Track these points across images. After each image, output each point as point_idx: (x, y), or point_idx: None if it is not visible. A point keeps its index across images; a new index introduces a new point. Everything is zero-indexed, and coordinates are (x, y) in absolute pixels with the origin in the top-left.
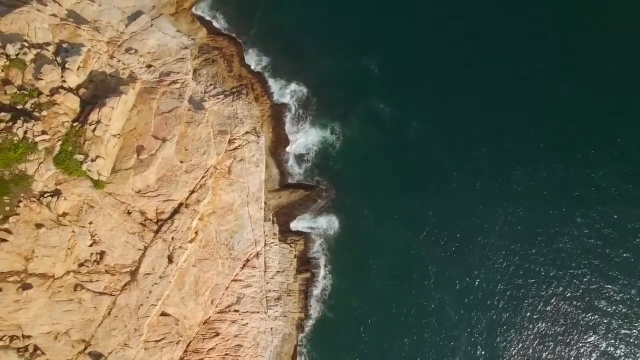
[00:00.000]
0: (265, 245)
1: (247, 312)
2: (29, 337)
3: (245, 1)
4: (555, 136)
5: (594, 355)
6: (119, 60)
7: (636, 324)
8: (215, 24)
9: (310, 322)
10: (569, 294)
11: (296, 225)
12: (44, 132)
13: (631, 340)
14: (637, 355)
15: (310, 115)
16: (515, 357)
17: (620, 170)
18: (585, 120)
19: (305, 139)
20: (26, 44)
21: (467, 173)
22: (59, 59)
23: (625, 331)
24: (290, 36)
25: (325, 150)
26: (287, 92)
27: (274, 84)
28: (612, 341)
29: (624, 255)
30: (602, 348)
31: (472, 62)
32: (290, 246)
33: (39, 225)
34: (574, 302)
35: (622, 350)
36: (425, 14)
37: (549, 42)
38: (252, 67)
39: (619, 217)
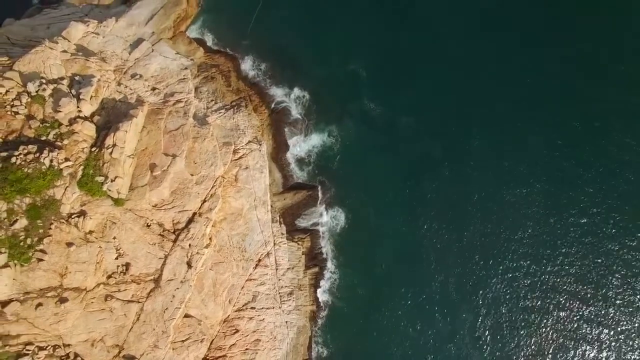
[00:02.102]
0: (274, 245)
1: (262, 308)
2: (69, 345)
3: (236, 17)
4: (541, 123)
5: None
6: (126, 86)
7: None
8: (210, 42)
9: (322, 313)
10: (566, 274)
11: (302, 223)
12: (67, 159)
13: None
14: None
15: (306, 120)
16: (516, 334)
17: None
18: (573, 105)
19: (303, 142)
20: (44, 81)
21: (458, 162)
22: (73, 91)
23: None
24: (281, 47)
25: (324, 151)
26: (283, 100)
27: (270, 94)
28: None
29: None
30: (605, 332)
31: (452, 58)
32: (298, 244)
33: (69, 244)
34: (575, 282)
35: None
36: (405, 18)
37: (528, 32)
38: (249, 80)
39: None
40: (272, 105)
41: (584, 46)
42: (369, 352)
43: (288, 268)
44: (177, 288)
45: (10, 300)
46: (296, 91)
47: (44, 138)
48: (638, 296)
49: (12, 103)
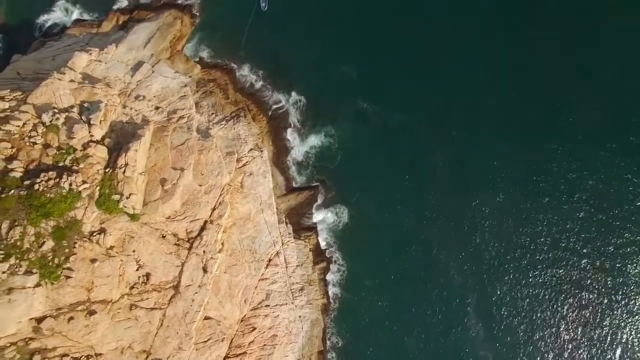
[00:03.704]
0: (283, 245)
1: (276, 305)
2: (100, 354)
3: (230, 32)
4: (527, 116)
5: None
6: (131, 108)
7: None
8: (206, 58)
9: (333, 306)
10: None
11: (307, 222)
12: (84, 182)
13: None
14: None
15: (304, 124)
16: (520, 312)
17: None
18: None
19: (302, 145)
20: (56, 110)
21: (451, 153)
22: (83, 117)
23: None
24: (274, 56)
25: (322, 152)
26: (280, 107)
27: (267, 102)
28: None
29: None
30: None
31: (439, 54)
32: (305, 241)
33: (93, 260)
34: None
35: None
36: (392, 19)
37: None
38: (245, 90)
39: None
40: (270, 113)
41: (578, 35)
42: (381, 339)
43: (297, 265)
44: (196, 292)
45: (45, 317)
46: (293, 96)
47: (61, 164)
48: None
49: (29, 134)
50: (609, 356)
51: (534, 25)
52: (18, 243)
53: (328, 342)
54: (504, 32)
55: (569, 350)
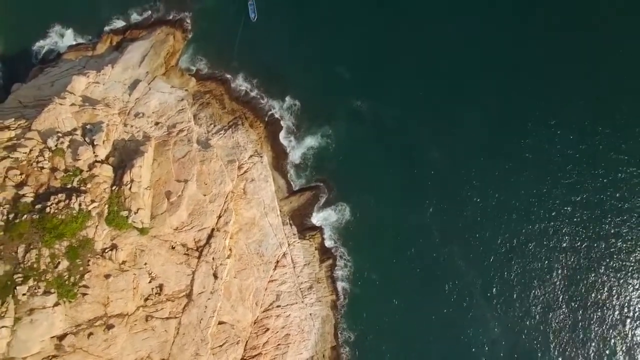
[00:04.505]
0: (289, 246)
1: (287, 305)
2: None
3: (222, 43)
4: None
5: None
6: (131, 126)
7: None
8: (200, 71)
9: (342, 301)
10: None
11: (310, 222)
12: (93, 201)
13: None
14: None
15: (300, 126)
16: (523, 291)
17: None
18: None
19: (300, 147)
20: (60, 134)
21: (444, 143)
22: (87, 138)
23: None
24: (267, 63)
25: (321, 152)
26: (276, 112)
27: (263, 108)
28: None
29: None
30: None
31: (425, 50)
32: (310, 241)
33: (107, 276)
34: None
35: None
36: (378, 18)
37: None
38: (241, 99)
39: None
40: (266, 119)
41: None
42: (391, 329)
43: (304, 264)
44: (208, 299)
45: (66, 334)
46: (287, 101)
47: (69, 185)
48: None
49: (37, 160)
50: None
51: (525, 18)
52: (35, 265)
53: (340, 337)
54: (492, 24)
55: (579, 330)
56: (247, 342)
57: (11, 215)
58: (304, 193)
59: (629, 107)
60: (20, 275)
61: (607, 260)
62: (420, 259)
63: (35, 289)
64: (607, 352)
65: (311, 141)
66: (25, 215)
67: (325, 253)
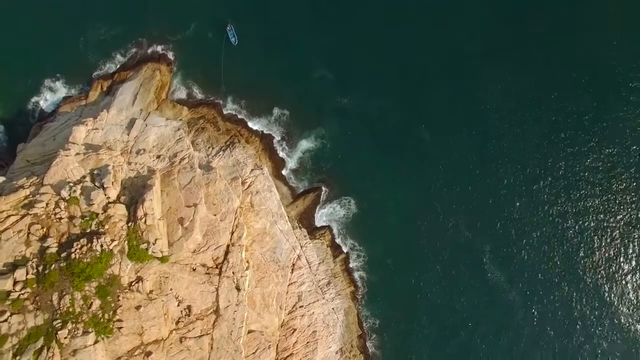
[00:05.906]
0: (301, 248)
1: (309, 304)
2: None
3: (207, 69)
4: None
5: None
6: (135, 163)
7: None
8: (190, 99)
9: (361, 291)
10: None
11: (318, 221)
12: (112, 240)
13: None
14: None
15: (292, 133)
16: (531, 255)
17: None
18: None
19: (296, 153)
20: (71, 184)
21: (434, 127)
22: (97, 183)
23: None
24: (252, 81)
25: (317, 153)
26: (269, 124)
27: (255, 124)
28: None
29: None
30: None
31: (401, 42)
32: (321, 240)
33: (138, 307)
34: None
35: None
36: (351, 18)
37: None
38: (233, 119)
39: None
40: (260, 132)
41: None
42: (412, 309)
43: (319, 262)
44: (235, 311)
45: None
46: (278, 111)
47: (88, 230)
48: None
49: (54, 211)
50: None
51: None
52: (70, 309)
53: (365, 325)
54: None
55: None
56: (277, 345)
57: (40, 268)
58: (308, 195)
59: None
60: (59, 320)
61: None
62: (430, 237)
63: (74, 330)
64: None
65: (306, 144)
66: (53, 265)
67: (337, 248)
